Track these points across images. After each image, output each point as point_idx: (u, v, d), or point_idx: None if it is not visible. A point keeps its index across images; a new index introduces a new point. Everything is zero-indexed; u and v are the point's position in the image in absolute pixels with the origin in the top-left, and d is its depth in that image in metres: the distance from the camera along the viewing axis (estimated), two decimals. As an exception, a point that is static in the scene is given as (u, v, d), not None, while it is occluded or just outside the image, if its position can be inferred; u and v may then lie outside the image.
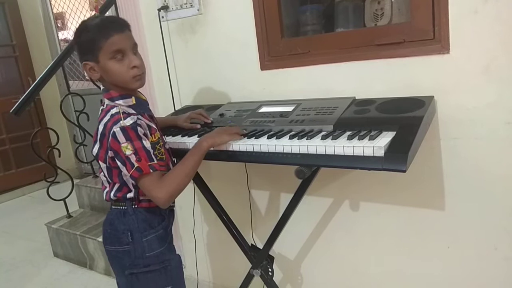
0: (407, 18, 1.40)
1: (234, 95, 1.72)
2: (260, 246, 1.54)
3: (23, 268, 2.70)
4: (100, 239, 2.36)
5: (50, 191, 2.72)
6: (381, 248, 1.51)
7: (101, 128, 1.15)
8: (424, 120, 1.09)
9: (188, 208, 1.93)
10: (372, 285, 1.58)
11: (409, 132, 1.03)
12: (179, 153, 1.31)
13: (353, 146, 1.01)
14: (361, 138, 1.05)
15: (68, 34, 4.24)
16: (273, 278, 1.54)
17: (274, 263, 1.56)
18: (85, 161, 3.35)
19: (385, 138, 1.03)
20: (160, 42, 1.83)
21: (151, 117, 1.25)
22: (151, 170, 1.11)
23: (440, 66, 1.24)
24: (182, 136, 1.41)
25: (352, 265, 1.61)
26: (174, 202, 1.32)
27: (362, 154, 1.00)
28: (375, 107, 1.23)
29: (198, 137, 1.35)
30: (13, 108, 2.58)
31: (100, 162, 1.20)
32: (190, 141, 1.32)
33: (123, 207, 1.22)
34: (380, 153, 0.97)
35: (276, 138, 1.18)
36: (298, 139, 1.14)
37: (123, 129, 1.10)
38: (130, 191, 1.20)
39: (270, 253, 1.52)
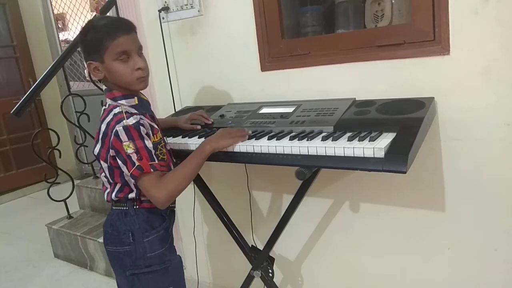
0: (407, 20, 1.40)
1: (234, 96, 1.72)
2: (261, 247, 1.54)
3: (24, 268, 2.70)
4: (101, 240, 2.36)
5: (50, 192, 2.72)
6: (381, 249, 1.51)
7: (103, 127, 1.16)
8: (425, 122, 1.09)
9: (189, 209, 1.93)
10: (372, 286, 1.58)
11: (410, 133, 1.03)
12: (179, 154, 1.31)
13: (354, 147, 1.01)
14: (362, 139, 1.05)
15: (68, 35, 4.25)
16: (274, 279, 1.54)
17: (274, 264, 1.56)
18: (86, 162, 3.35)
19: (386, 139, 1.03)
20: (160, 43, 1.84)
21: (153, 118, 1.25)
22: (151, 170, 1.11)
23: (440, 68, 1.24)
24: (182, 137, 1.41)
25: (352, 266, 1.61)
26: (174, 203, 1.33)
27: (363, 155, 1.00)
28: (376, 108, 1.23)
29: (198, 138, 1.35)
30: (14, 109, 2.58)
31: (101, 162, 1.20)
32: (190, 142, 1.32)
33: (124, 208, 1.22)
34: (381, 154, 0.97)
35: (276, 139, 1.18)
36: (298, 140, 1.14)
37: (125, 128, 1.10)
38: (131, 191, 1.20)
39: (271, 254, 1.52)
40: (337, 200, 1.57)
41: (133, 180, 1.15)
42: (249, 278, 1.58)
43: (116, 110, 1.14)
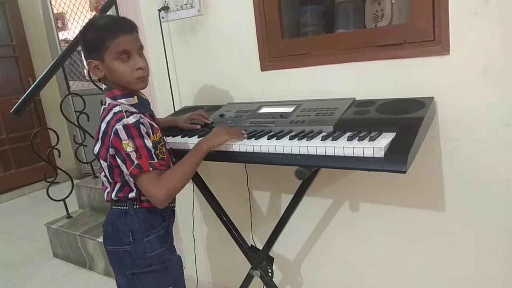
0: (407, 19, 1.40)
1: (234, 96, 1.72)
2: (260, 246, 1.54)
3: (23, 268, 2.70)
4: (100, 239, 2.36)
5: (50, 191, 2.71)
6: (381, 249, 1.51)
7: (103, 126, 1.15)
8: (424, 121, 1.09)
9: (188, 208, 1.93)
10: (372, 286, 1.58)
11: (409, 133, 1.03)
12: (179, 154, 1.30)
13: (353, 147, 1.01)
14: (361, 139, 1.05)
15: (68, 34, 4.25)
16: (273, 279, 1.54)
17: (274, 263, 1.56)
18: (85, 161, 3.35)
19: (385, 139, 1.03)
20: (160, 43, 1.84)
21: (152, 117, 1.25)
22: (151, 168, 1.11)
23: (440, 67, 1.24)
24: (182, 137, 1.41)
25: (352, 266, 1.61)
26: (174, 202, 1.32)
27: (362, 155, 1.00)
28: (375, 108, 1.23)
29: (198, 137, 1.35)
30: (13, 108, 2.58)
31: (101, 161, 1.20)
32: (190, 142, 1.32)
33: (124, 207, 1.22)
34: (380, 154, 0.97)
35: (276, 139, 1.18)
36: (298, 140, 1.14)
37: (125, 127, 1.10)
38: (131, 190, 1.20)
39: (270, 253, 1.52)
40: (336, 200, 1.57)
41: (132, 179, 1.15)
42: (249, 278, 1.58)
43: (116, 109, 1.14)
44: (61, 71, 2.92)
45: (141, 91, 1.25)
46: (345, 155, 1.02)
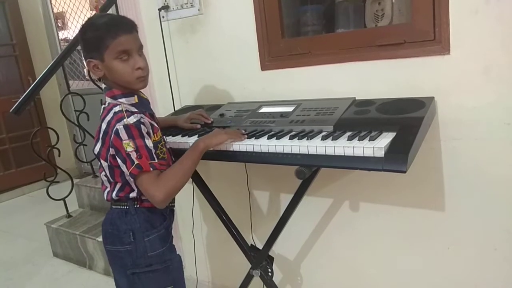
0: (407, 19, 1.40)
1: (234, 95, 1.72)
2: (260, 246, 1.54)
3: (23, 267, 2.70)
4: (100, 239, 2.36)
5: (49, 190, 2.71)
6: (381, 249, 1.51)
7: (104, 126, 1.15)
8: (425, 121, 1.09)
9: (188, 208, 1.93)
10: (372, 286, 1.58)
11: (410, 133, 1.03)
12: (179, 153, 1.30)
13: (353, 147, 1.01)
14: (361, 138, 1.05)
15: (68, 33, 4.24)
16: (273, 279, 1.54)
17: (273, 263, 1.56)
18: (85, 160, 3.35)
19: (385, 139, 1.03)
20: (160, 42, 1.83)
21: (152, 116, 1.25)
22: (151, 169, 1.11)
23: (440, 67, 1.24)
24: (182, 136, 1.41)
25: (352, 265, 1.61)
26: (174, 202, 1.32)
27: (362, 155, 1.00)
28: (376, 108, 1.23)
29: (198, 137, 1.35)
30: (13, 108, 2.57)
31: (101, 161, 1.19)
32: (190, 141, 1.32)
33: (125, 207, 1.21)
34: (380, 153, 0.97)
35: (276, 139, 1.18)
36: (298, 139, 1.14)
37: (126, 127, 1.10)
38: (132, 190, 1.19)
39: (270, 253, 1.52)
40: (336, 200, 1.57)
41: (132, 179, 1.14)
42: (248, 277, 1.58)
43: (117, 109, 1.14)
44: (61, 71, 2.91)
45: (141, 90, 1.25)
46: (345, 154, 1.03)
